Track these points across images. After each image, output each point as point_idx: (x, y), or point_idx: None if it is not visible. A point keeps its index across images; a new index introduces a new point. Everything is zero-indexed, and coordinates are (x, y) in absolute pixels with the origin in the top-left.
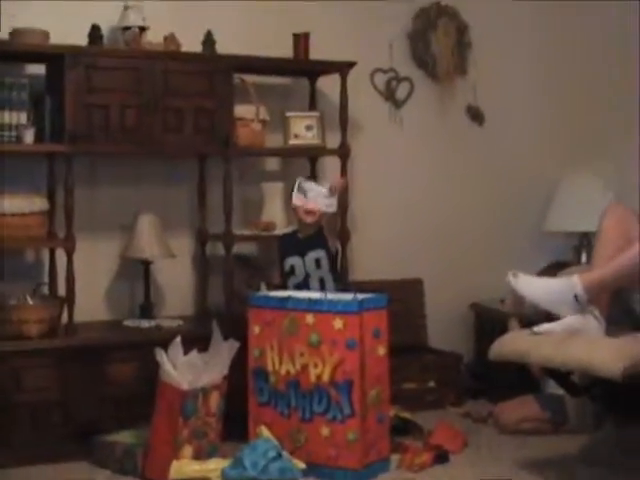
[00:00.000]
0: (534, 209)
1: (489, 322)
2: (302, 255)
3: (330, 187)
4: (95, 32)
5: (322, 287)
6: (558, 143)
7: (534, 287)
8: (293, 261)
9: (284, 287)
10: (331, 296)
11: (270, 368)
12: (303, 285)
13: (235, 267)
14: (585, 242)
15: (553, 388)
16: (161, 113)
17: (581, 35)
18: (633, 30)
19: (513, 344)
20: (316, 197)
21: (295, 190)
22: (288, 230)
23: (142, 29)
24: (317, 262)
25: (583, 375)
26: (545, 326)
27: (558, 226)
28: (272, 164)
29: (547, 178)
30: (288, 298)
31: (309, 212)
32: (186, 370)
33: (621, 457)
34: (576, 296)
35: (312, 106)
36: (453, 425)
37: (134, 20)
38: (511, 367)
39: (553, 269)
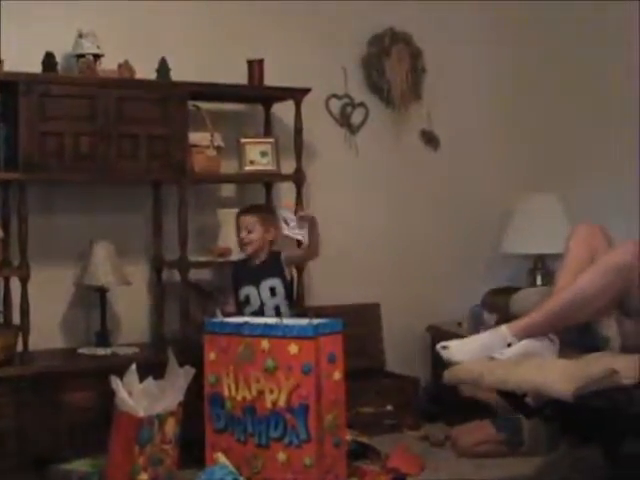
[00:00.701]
0: (490, 232)
1: None
2: (256, 284)
3: (301, 217)
4: (49, 60)
5: (277, 315)
6: (513, 167)
7: (468, 350)
8: (247, 291)
9: (240, 315)
10: (287, 321)
11: (226, 394)
12: (259, 313)
13: (191, 294)
14: (540, 264)
15: (507, 410)
16: (115, 140)
17: (532, 62)
18: (583, 57)
19: (467, 368)
20: (294, 227)
21: (281, 220)
22: (241, 257)
23: (96, 56)
24: (272, 290)
25: (536, 397)
26: (505, 352)
27: (514, 248)
28: (228, 190)
29: (503, 202)
30: (243, 324)
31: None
32: (142, 397)
33: (575, 476)
34: (510, 344)
35: (267, 132)
36: (411, 449)
37: (88, 48)
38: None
39: (499, 293)
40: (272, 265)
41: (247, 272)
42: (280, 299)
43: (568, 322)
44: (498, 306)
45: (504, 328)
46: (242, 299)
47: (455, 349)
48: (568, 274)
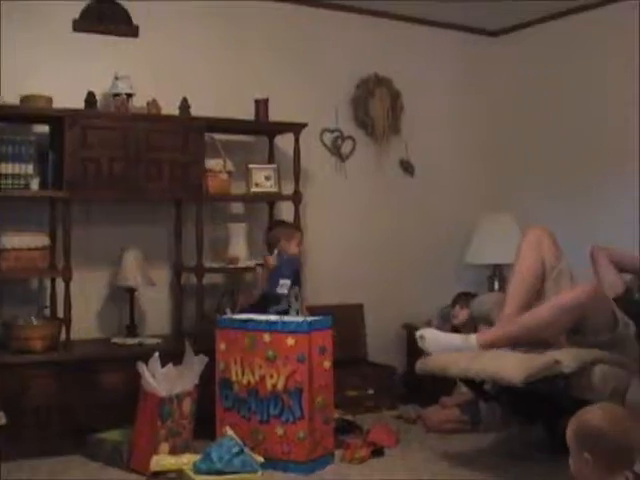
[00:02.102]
0: (456, 245)
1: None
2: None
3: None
4: (90, 98)
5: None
6: (476, 191)
7: (440, 344)
8: (282, 290)
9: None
10: (285, 318)
11: (234, 378)
12: (283, 313)
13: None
14: (497, 272)
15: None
16: (144, 165)
17: (491, 101)
18: (532, 91)
19: (435, 360)
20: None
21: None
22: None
23: (129, 95)
24: (296, 297)
25: (493, 384)
26: (429, 331)
27: (476, 259)
28: (237, 208)
29: (467, 219)
30: (249, 320)
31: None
32: (163, 380)
33: (523, 450)
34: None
35: (270, 159)
36: (388, 425)
37: (122, 88)
38: (435, 378)
39: (462, 297)
40: (296, 276)
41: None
42: (298, 305)
43: (525, 342)
44: (466, 305)
45: (473, 337)
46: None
47: (429, 340)
48: (519, 278)
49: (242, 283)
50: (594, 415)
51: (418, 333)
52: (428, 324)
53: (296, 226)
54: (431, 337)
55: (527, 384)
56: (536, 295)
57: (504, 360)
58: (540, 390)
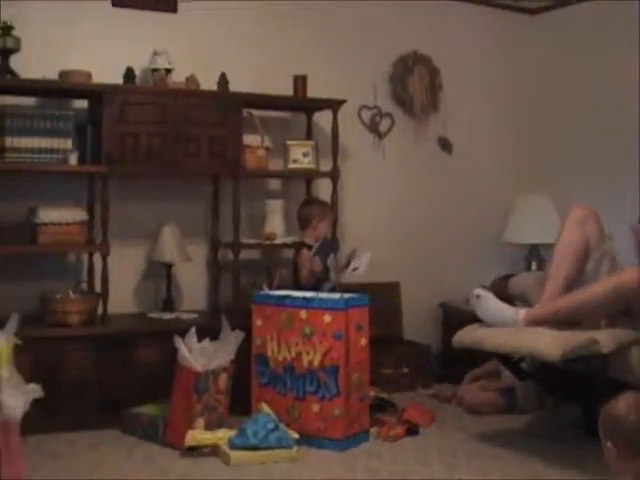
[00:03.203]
0: (493, 224)
1: (455, 319)
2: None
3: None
4: (129, 73)
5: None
6: (515, 170)
7: (489, 310)
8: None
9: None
10: (322, 295)
11: (270, 355)
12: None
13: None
14: (534, 252)
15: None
16: (182, 141)
17: (530, 80)
18: (571, 70)
19: (471, 334)
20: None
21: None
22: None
23: (168, 71)
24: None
25: (530, 362)
26: (485, 294)
27: (513, 238)
28: (274, 184)
29: (505, 197)
30: (286, 297)
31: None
32: (199, 355)
33: (559, 430)
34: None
35: (308, 136)
36: (423, 404)
37: (161, 63)
38: (471, 356)
39: (504, 279)
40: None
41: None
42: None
43: (570, 321)
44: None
45: (522, 312)
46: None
47: (482, 303)
48: (562, 255)
49: (280, 260)
50: (616, 404)
51: (475, 291)
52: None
53: (329, 206)
54: (485, 300)
55: (564, 362)
56: (577, 274)
57: (542, 337)
58: (578, 369)
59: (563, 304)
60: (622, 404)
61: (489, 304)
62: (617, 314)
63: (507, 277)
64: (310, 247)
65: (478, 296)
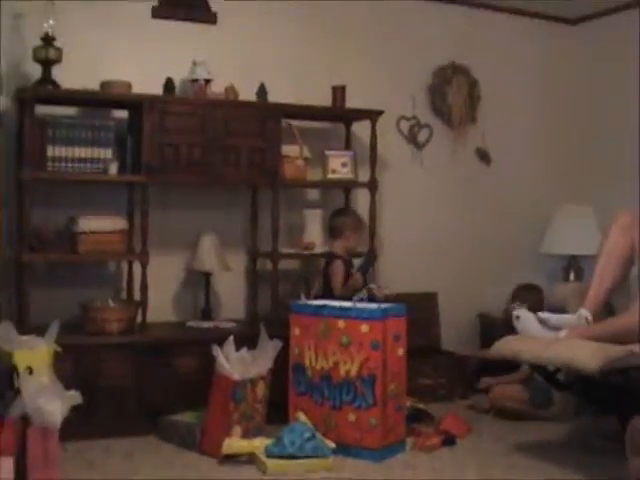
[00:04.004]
0: (532, 235)
1: (493, 329)
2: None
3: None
4: (169, 83)
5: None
6: (553, 179)
7: (530, 333)
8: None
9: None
10: (359, 305)
11: (307, 364)
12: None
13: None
14: (573, 263)
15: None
16: (221, 151)
17: (570, 90)
18: (613, 80)
19: (509, 345)
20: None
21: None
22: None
23: (207, 81)
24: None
25: (568, 373)
26: (526, 314)
27: (551, 249)
28: (313, 194)
29: (543, 209)
30: (324, 306)
31: None
32: (237, 363)
33: (596, 442)
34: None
35: (347, 146)
36: (460, 415)
37: (201, 74)
38: (508, 368)
39: (523, 290)
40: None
41: (351, 265)
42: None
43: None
44: (526, 299)
45: (563, 334)
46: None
47: (522, 327)
48: (606, 260)
49: (319, 270)
50: None
51: (515, 312)
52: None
53: (361, 217)
54: (525, 320)
55: (602, 374)
56: (622, 279)
57: (579, 348)
58: (616, 381)
59: (602, 332)
60: None
61: (530, 325)
62: None
63: (526, 287)
64: (339, 257)
65: (518, 317)
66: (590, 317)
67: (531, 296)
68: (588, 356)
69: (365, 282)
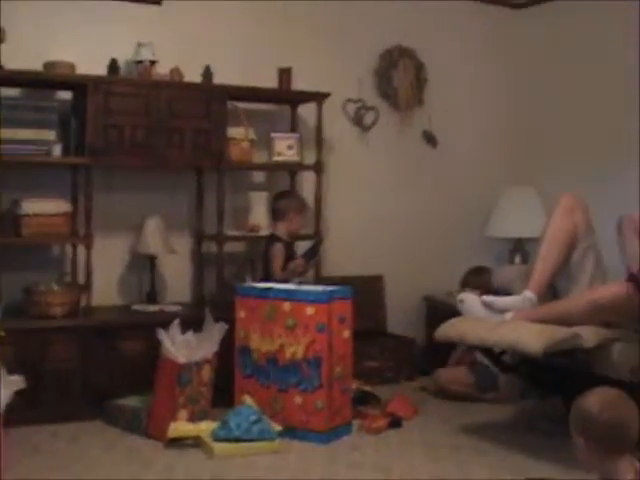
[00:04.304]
0: (478, 218)
1: (439, 312)
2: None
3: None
4: (113, 65)
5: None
6: (498, 163)
7: (474, 313)
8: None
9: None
10: (305, 287)
11: (253, 346)
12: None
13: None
14: (519, 246)
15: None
16: (166, 133)
17: (515, 73)
18: (556, 64)
19: (455, 327)
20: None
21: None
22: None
23: (152, 62)
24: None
25: (513, 355)
26: (469, 297)
27: (497, 232)
28: (258, 177)
29: (489, 192)
30: (269, 289)
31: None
32: (183, 347)
33: (541, 423)
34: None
35: (293, 129)
36: (406, 397)
37: (146, 55)
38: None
39: (473, 273)
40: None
41: (293, 250)
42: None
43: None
44: (477, 281)
45: (508, 316)
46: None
47: (467, 307)
48: (550, 242)
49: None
50: (586, 400)
51: (459, 297)
52: (449, 297)
53: (303, 201)
54: (470, 303)
55: (546, 355)
56: (564, 262)
57: (524, 330)
58: (560, 363)
59: (547, 315)
60: (595, 400)
61: (474, 309)
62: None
63: (476, 270)
64: (280, 240)
65: (462, 300)
66: (535, 298)
67: (482, 278)
68: (533, 338)
69: (308, 269)
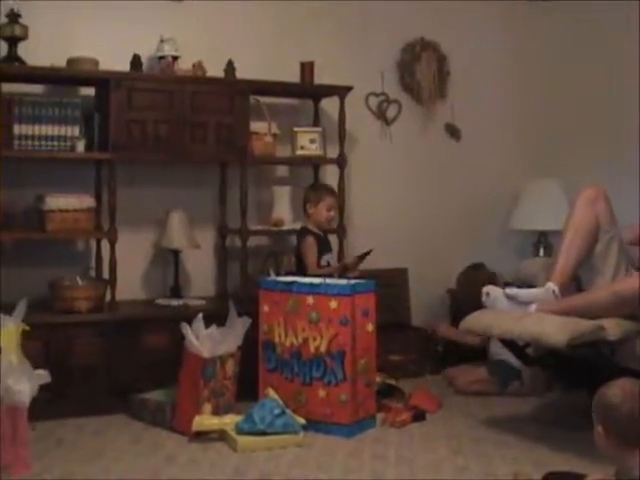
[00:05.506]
0: (501, 211)
1: (463, 305)
2: (331, 252)
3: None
4: (136, 60)
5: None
6: (522, 156)
7: (499, 307)
8: (329, 257)
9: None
10: (328, 281)
11: (277, 340)
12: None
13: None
14: (542, 239)
15: (497, 355)
16: (189, 127)
17: (540, 65)
18: (582, 56)
19: (479, 319)
20: None
21: None
22: (314, 230)
23: (175, 58)
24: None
25: (536, 347)
26: (495, 290)
27: (521, 225)
28: (281, 171)
29: (512, 185)
30: (293, 282)
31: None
32: (207, 341)
33: (565, 416)
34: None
35: (316, 123)
36: (430, 390)
37: (168, 50)
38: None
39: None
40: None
41: (326, 243)
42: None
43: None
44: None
45: (532, 308)
46: (324, 264)
47: (492, 303)
48: (573, 234)
49: (288, 246)
50: (609, 390)
51: (484, 289)
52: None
53: (329, 190)
54: (494, 296)
55: (571, 348)
56: (587, 254)
57: (548, 322)
58: (584, 356)
59: (570, 307)
60: (616, 391)
61: (497, 301)
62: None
63: (476, 266)
64: (311, 232)
65: (488, 294)
66: (557, 290)
67: (479, 275)
68: (557, 330)
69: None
